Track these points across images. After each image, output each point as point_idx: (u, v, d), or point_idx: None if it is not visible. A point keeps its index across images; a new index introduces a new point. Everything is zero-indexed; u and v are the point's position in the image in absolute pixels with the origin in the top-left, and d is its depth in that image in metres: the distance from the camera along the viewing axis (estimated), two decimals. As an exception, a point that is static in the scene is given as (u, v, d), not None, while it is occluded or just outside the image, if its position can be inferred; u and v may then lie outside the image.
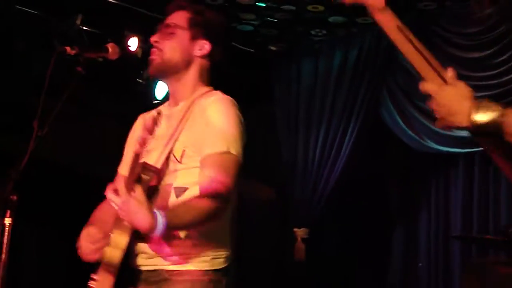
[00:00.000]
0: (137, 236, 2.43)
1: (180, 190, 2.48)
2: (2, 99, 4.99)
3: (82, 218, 2.85)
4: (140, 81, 5.51)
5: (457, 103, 1.71)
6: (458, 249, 5.39)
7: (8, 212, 2.32)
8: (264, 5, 5.39)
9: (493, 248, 5.14)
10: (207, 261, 2.51)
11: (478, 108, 1.69)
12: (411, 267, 5.74)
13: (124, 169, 2.71)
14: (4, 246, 2.30)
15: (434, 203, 5.66)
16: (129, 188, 2.23)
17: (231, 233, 2.64)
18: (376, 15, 1.69)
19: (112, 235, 2.43)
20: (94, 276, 2.47)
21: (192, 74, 2.67)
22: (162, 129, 2.56)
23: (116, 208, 2.26)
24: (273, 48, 6.25)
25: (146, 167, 2.45)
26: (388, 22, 1.70)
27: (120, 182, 2.28)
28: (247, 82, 6.41)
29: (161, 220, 2.23)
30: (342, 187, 5.82)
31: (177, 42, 2.63)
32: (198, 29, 2.66)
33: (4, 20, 4.91)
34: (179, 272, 2.49)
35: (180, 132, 2.55)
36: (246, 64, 6.28)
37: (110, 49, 2.58)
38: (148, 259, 2.50)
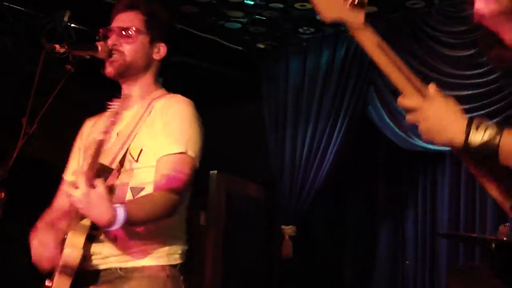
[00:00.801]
0: (92, 236, 2.43)
1: (137, 190, 2.48)
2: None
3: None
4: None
5: (448, 119, 1.66)
6: (445, 247, 5.41)
7: (-4, 209, 2.31)
8: (252, 3, 5.39)
9: (479, 246, 5.16)
10: (162, 256, 2.51)
11: (475, 127, 1.63)
12: (398, 265, 5.76)
13: (70, 175, 2.67)
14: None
15: (421, 200, 5.68)
16: (90, 182, 2.21)
17: (185, 231, 2.64)
18: (355, 33, 1.68)
19: (68, 235, 2.42)
20: (48, 283, 2.45)
21: (148, 76, 2.68)
22: (118, 129, 2.54)
23: (74, 202, 2.22)
24: (261, 46, 6.26)
25: (101, 167, 2.42)
26: (367, 40, 1.69)
27: (79, 175, 2.24)
28: (234, 80, 6.42)
29: (121, 214, 2.22)
30: (329, 185, 5.84)
31: (138, 46, 2.63)
32: (156, 32, 2.66)
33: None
34: (134, 269, 2.47)
35: (137, 132, 2.54)
36: (234, 62, 6.28)
37: (99, 48, 2.57)
38: (102, 259, 2.47)
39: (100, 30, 2.66)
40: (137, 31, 2.63)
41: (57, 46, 2.46)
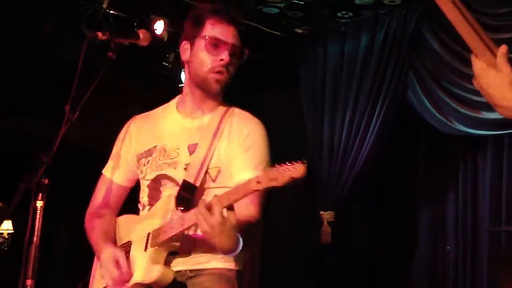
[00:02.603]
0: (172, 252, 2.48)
1: None
2: (34, 84, 5.03)
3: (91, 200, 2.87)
4: (166, 64, 5.51)
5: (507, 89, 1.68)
6: (487, 233, 5.36)
7: (40, 195, 2.34)
8: (290, -13, 5.36)
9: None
10: (230, 261, 2.56)
11: None
12: (439, 251, 5.71)
13: (118, 178, 2.73)
14: (37, 228, 2.33)
15: (462, 186, 5.62)
16: (223, 211, 2.25)
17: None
18: None
19: (149, 250, 2.46)
20: None
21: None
22: (193, 139, 2.57)
23: (205, 226, 2.24)
24: (299, 30, 6.22)
25: (188, 185, 2.48)
26: None
27: (216, 202, 2.25)
28: (273, 65, 6.40)
29: (241, 243, 2.34)
30: (368, 170, 5.80)
31: (238, 63, 2.62)
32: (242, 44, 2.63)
33: (33, 4, 4.94)
34: (204, 269, 2.52)
35: (214, 150, 2.54)
36: (272, 47, 6.26)
37: (141, 35, 2.58)
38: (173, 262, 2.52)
39: (209, 39, 2.55)
40: (241, 48, 2.60)
41: (99, 34, 2.47)
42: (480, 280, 5.36)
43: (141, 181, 2.67)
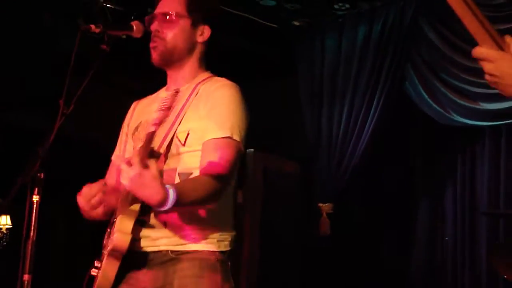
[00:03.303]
0: (141, 221, 2.46)
1: (185, 175, 2.49)
2: (29, 76, 5.02)
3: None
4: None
5: None
6: (485, 223, 5.36)
7: (36, 189, 2.34)
8: (287, -21, 5.35)
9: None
10: (213, 242, 2.53)
11: None
12: (437, 242, 5.72)
13: (119, 156, 2.73)
14: (33, 223, 2.32)
15: (460, 176, 5.62)
16: (143, 163, 2.21)
17: (234, 218, 2.65)
18: None
19: (117, 220, 2.45)
20: (97, 263, 2.49)
21: (193, 60, 2.69)
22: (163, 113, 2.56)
23: (125, 181, 2.22)
24: (296, 23, 6.21)
25: (151, 151, 2.43)
26: None
27: (134, 155, 2.25)
28: (270, 57, 6.39)
29: (172, 195, 2.23)
30: (366, 162, 5.80)
31: (179, 30, 2.63)
32: (198, 14, 2.65)
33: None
34: (186, 252, 2.50)
35: (183, 116, 2.55)
36: (269, 39, 6.25)
37: (134, 27, 2.58)
38: (151, 241, 2.50)
39: (146, 18, 2.66)
40: (177, 15, 2.62)
41: (93, 26, 2.47)
42: (480, 268, 5.37)
43: None
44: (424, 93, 5.51)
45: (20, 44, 5.01)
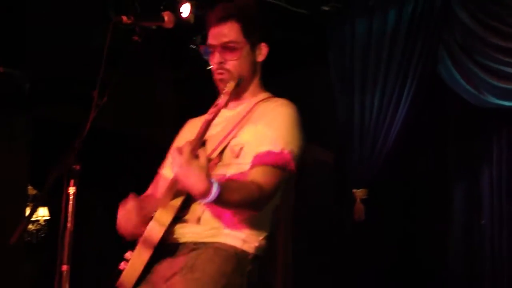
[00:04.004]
0: (178, 218, 2.48)
1: None
2: (63, 71, 5.06)
3: (142, 184, 2.92)
4: (193, 47, 5.52)
5: None
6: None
7: (72, 181, 2.36)
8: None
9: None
10: (238, 239, 2.56)
11: None
12: (474, 226, 5.66)
13: (167, 170, 2.79)
14: (70, 214, 2.35)
15: (496, 159, 5.55)
16: (193, 153, 2.24)
17: (268, 227, 2.66)
18: None
19: (157, 212, 2.47)
20: (129, 254, 2.52)
21: (255, 80, 2.76)
22: (221, 127, 2.63)
23: (175, 168, 2.26)
24: (326, 8, 6.17)
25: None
26: None
27: (186, 144, 2.28)
28: (300, 44, 6.36)
29: (215, 189, 2.25)
30: (400, 146, 5.76)
31: (242, 58, 2.67)
32: (255, 36, 2.69)
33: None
34: (207, 243, 2.54)
35: (239, 130, 2.60)
36: (299, 26, 6.22)
37: (166, 18, 2.59)
38: (182, 234, 2.56)
39: (201, 47, 2.74)
40: (237, 43, 2.66)
41: (124, 18, 2.49)
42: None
43: None
44: (457, 75, 5.45)
45: (54, 38, 5.06)
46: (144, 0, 5.06)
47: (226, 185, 2.33)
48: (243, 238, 2.57)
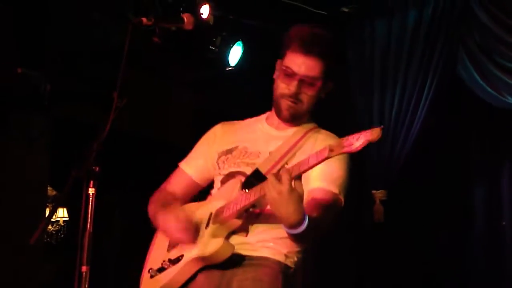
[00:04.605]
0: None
1: None
2: (83, 71, 5.08)
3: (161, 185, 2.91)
4: (213, 48, 5.51)
5: None
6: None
7: (92, 182, 2.37)
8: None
9: None
10: (281, 254, 2.59)
11: None
12: (495, 227, 5.63)
13: (189, 168, 2.83)
14: (89, 215, 2.36)
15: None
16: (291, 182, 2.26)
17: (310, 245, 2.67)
18: None
19: (209, 228, 2.49)
20: (165, 264, 2.55)
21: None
22: (270, 148, 2.67)
23: (271, 194, 2.26)
24: (345, 9, 6.15)
25: (258, 173, 2.55)
26: None
27: (284, 172, 2.28)
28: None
29: (306, 219, 2.30)
30: (420, 147, 5.74)
31: (316, 94, 2.73)
32: (330, 76, 2.73)
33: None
34: (251, 257, 2.56)
35: (291, 157, 2.62)
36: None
37: (185, 19, 2.59)
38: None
39: (278, 61, 2.74)
40: (318, 79, 2.70)
41: (144, 19, 2.49)
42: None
43: (215, 178, 2.78)
44: (477, 76, 5.42)
45: (73, 39, 5.08)
46: (164, 1, 5.07)
47: (310, 217, 2.35)
48: (285, 253, 2.61)
